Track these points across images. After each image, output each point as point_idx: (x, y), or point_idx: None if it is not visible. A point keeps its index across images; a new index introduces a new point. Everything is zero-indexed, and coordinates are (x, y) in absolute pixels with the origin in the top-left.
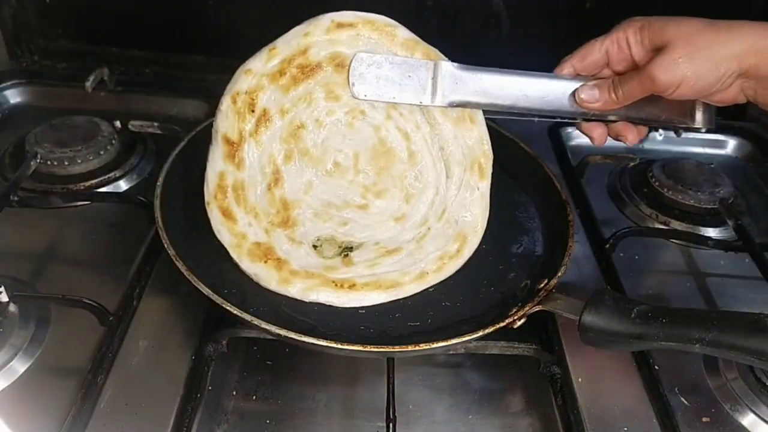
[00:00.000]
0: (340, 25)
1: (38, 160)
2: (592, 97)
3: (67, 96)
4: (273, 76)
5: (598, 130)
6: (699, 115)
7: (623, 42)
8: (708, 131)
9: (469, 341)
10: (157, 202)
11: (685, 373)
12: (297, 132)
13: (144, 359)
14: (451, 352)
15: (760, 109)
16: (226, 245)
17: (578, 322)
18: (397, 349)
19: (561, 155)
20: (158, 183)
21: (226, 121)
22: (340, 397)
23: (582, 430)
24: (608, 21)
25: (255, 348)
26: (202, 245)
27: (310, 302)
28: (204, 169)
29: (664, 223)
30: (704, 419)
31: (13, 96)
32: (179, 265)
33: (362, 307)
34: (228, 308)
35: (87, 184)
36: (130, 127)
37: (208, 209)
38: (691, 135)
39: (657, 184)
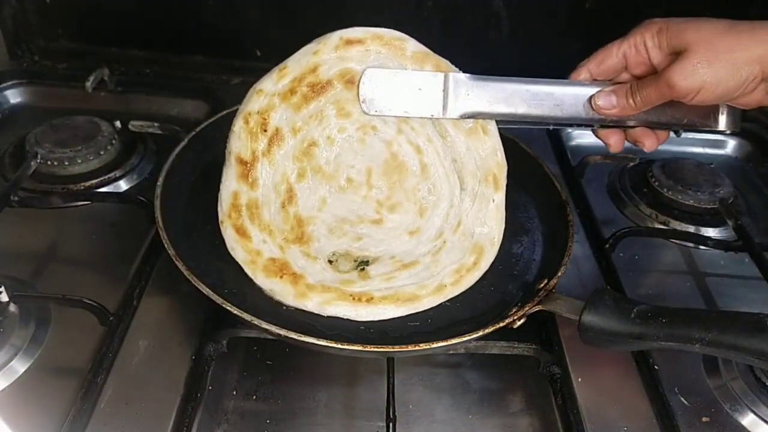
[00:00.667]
0: (348, 42)
1: (38, 160)
2: (609, 103)
3: (67, 96)
4: (284, 95)
5: (615, 136)
6: (723, 118)
7: (641, 46)
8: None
9: (469, 341)
10: (157, 202)
11: (685, 373)
12: (309, 150)
13: (144, 359)
14: (450, 352)
15: (760, 108)
16: (240, 262)
17: (578, 322)
18: (397, 349)
19: (561, 155)
20: (158, 183)
21: (239, 141)
22: (340, 397)
23: (582, 430)
24: (608, 21)
25: (255, 348)
26: (202, 245)
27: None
28: (205, 169)
29: (664, 223)
30: (704, 419)
31: (14, 96)
32: (179, 265)
33: None
34: (228, 308)
35: (87, 184)
36: (130, 127)
37: (222, 228)
38: (691, 135)
39: (657, 184)
